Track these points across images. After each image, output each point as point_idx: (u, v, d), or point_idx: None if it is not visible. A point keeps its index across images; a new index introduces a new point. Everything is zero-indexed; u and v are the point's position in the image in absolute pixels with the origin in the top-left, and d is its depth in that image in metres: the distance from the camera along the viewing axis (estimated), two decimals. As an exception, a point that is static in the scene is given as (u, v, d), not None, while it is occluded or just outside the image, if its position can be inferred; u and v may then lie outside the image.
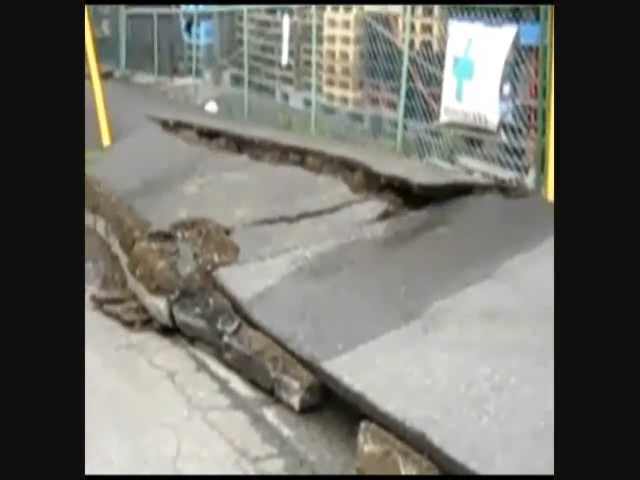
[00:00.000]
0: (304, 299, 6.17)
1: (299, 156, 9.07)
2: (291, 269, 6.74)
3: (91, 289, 7.69)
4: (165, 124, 11.61)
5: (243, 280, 6.67)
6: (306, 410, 5.40)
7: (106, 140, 11.67)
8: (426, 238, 7.12)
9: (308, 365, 5.38)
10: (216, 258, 7.14)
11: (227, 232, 7.63)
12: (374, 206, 7.79)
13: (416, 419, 4.46)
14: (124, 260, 7.83)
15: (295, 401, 5.41)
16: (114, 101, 12.95)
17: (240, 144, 10.10)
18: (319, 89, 12.46)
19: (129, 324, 6.96)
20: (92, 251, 8.80)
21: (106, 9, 20.11)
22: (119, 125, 11.95)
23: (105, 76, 15.63)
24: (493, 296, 5.93)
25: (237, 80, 15.03)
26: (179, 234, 7.71)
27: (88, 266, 8.41)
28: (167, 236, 7.70)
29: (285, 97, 13.85)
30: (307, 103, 12.93)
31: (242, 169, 9.36)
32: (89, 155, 11.28)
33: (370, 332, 5.48)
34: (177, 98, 15.57)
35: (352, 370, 5.04)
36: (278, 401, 5.55)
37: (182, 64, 17.40)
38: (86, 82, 12.75)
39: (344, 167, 8.39)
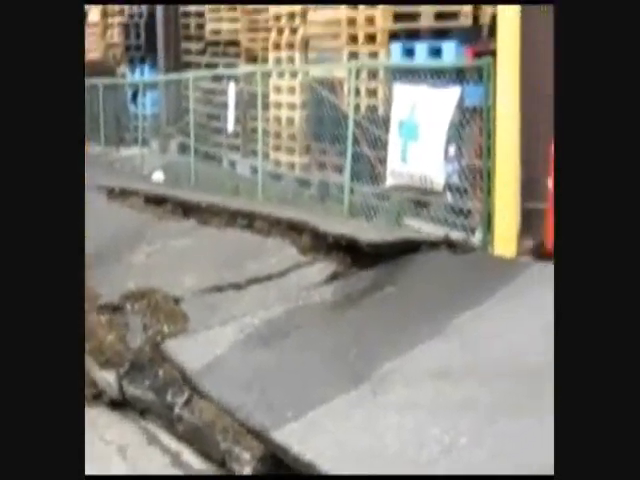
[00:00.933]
0: (252, 368, 6.13)
1: (247, 220, 9.09)
2: (239, 337, 6.70)
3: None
4: (111, 192, 11.59)
5: (191, 351, 6.62)
6: (259, 480, 5.35)
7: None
8: (375, 298, 7.11)
9: (257, 435, 5.33)
10: (165, 329, 7.10)
11: (176, 301, 7.60)
12: (323, 267, 7.79)
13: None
14: (73, 334, 7.76)
15: (247, 472, 5.35)
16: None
17: (187, 209, 10.12)
18: (266, 155, 12.53)
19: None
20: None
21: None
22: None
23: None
24: (442, 355, 5.92)
25: (184, 148, 15.07)
26: (128, 305, 7.66)
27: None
28: (116, 308, 7.66)
29: (232, 164, 13.90)
30: (254, 170, 12.96)
31: (189, 235, 9.37)
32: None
33: (320, 397, 5.44)
34: (124, 168, 15.58)
35: (301, 438, 5.00)
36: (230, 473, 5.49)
37: (129, 134, 17.41)
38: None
39: (292, 229, 8.40)
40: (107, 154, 16.88)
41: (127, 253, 9.15)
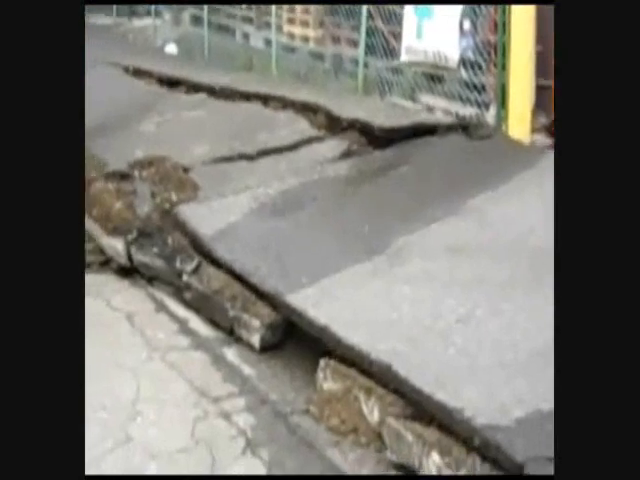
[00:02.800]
0: (267, 235, 6.03)
1: (261, 101, 8.84)
2: (253, 206, 6.58)
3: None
4: (125, 70, 11.30)
5: (204, 217, 6.49)
6: (267, 349, 5.29)
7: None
8: (390, 177, 6.98)
9: (271, 299, 5.27)
10: (174, 197, 6.95)
11: (185, 170, 7.44)
12: (335, 145, 7.61)
13: (382, 351, 4.36)
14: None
15: (255, 340, 5.29)
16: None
17: (200, 90, 9.84)
18: (279, 28, 12.19)
19: (86, 266, 6.78)
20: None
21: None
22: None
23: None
24: (458, 232, 5.84)
25: (197, 20, 14.70)
26: (136, 173, 7.51)
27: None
28: (124, 176, 7.50)
29: (246, 37, 13.56)
30: (268, 42, 12.65)
31: (201, 106, 9.14)
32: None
33: (334, 267, 5.37)
34: (136, 40, 15.18)
35: (316, 303, 4.94)
36: (238, 340, 5.43)
37: (141, 5, 17.02)
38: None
39: (306, 110, 8.18)
40: (119, 25, 16.48)
41: (136, 123, 8.94)
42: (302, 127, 7.87)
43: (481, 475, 3.79)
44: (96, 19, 17.15)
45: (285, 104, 8.50)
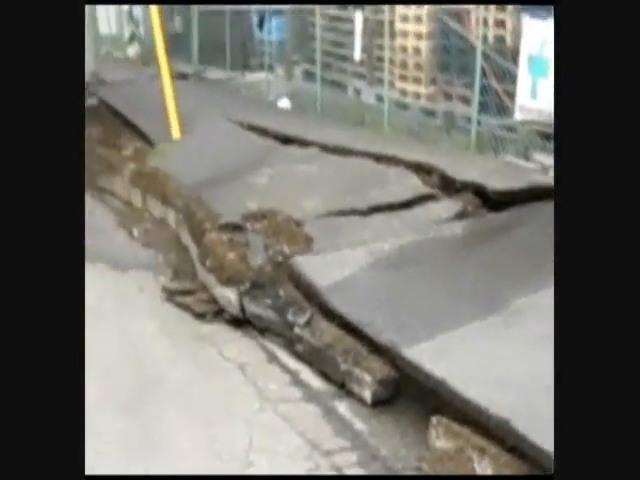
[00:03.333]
0: (382, 289, 6.07)
1: (374, 159, 8.91)
2: (368, 260, 6.63)
3: (162, 280, 7.67)
4: (239, 125, 11.52)
5: (320, 268, 6.57)
6: (378, 403, 5.29)
7: (176, 133, 11.63)
8: (504, 239, 6.98)
9: (387, 352, 5.28)
10: (287, 249, 7.04)
11: (298, 224, 7.53)
12: (450, 205, 7.65)
13: (500, 406, 4.33)
14: (194, 251, 7.78)
15: (367, 394, 5.30)
16: (186, 96, 12.94)
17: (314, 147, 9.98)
18: (391, 84, 12.31)
19: (200, 315, 6.90)
20: (163, 242, 8.79)
21: (177, 6, 20.12)
22: (190, 120, 11.92)
23: (178, 76, 15.64)
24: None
25: (309, 75, 14.93)
26: (249, 225, 7.63)
27: (159, 257, 8.40)
28: (237, 227, 7.63)
29: (357, 92, 13.72)
30: (379, 98, 12.77)
31: (313, 160, 9.26)
32: (159, 147, 11.33)
33: (450, 323, 5.37)
34: (249, 94, 15.50)
35: (433, 357, 4.94)
36: (349, 394, 5.44)
37: (254, 60, 17.34)
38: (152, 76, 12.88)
39: (419, 169, 8.23)
40: (232, 79, 16.83)
41: (249, 175, 9.10)
42: (414, 184, 7.92)
43: (482, 475, 3.93)
44: (211, 73, 17.56)
45: (397, 163, 8.55)
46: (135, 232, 9.30)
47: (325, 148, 9.67)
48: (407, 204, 7.64)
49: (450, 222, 7.39)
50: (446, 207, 7.63)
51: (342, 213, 7.64)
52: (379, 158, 8.85)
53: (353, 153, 9.22)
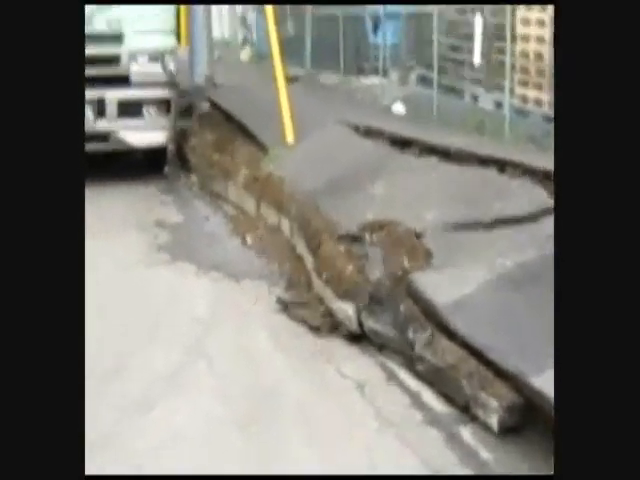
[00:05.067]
0: (505, 309, 5.77)
1: (497, 166, 8.57)
2: (490, 278, 6.32)
3: (276, 291, 7.51)
4: (355, 129, 11.30)
5: (440, 285, 6.30)
6: (504, 431, 5.01)
7: (290, 138, 11.48)
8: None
9: (512, 379, 4.99)
10: (406, 263, 6.80)
11: (418, 236, 7.29)
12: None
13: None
14: (310, 262, 7.60)
15: (493, 421, 5.02)
16: (300, 100, 12.81)
17: (432, 152, 9.68)
18: (511, 91, 11.96)
19: (316, 329, 6.71)
20: (277, 251, 8.64)
21: (288, 9, 20.09)
22: (304, 124, 11.77)
23: (291, 80, 15.55)
24: None
25: (424, 80, 14.68)
26: (367, 237, 7.42)
27: (273, 267, 8.25)
28: (355, 238, 7.42)
29: (474, 98, 13.41)
30: (498, 105, 12.45)
31: (432, 170, 8.97)
32: (273, 152, 11.21)
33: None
34: (363, 98, 15.30)
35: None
36: (474, 419, 5.17)
37: (367, 64, 17.18)
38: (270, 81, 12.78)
39: (545, 179, 7.85)
40: (346, 83, 16.67)
41: (367, 184, 8.88)
42: (540, 197, 7.56)
43: (482, 475, 3.96)
44: (324, 77, 17.45)
45: (524, 171, 8.20)
46: (249, 240, 9.18)
47: (445, 154, 9.37)
48: (532, 217, 7.29)
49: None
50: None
51: (463, 226, 7.35)
52: (503, 166, 8.50)
53: (475, 160, 8.90)
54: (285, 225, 8.91)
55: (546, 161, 8.40)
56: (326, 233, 7.63)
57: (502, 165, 8.52)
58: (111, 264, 8.36)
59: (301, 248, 8.12)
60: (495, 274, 6.39)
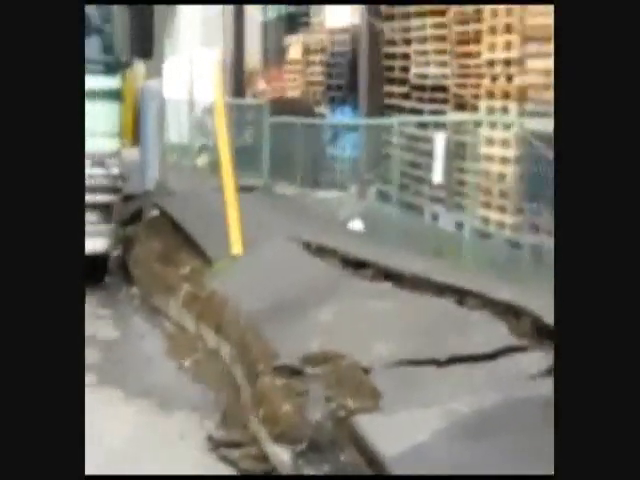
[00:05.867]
0: (460, 464, 5.06)
1: (456, 296, 7.94)
2: (443, 425, 5.62)
3: (209, 425, 6.77)
4: (307, 247, 10.66)
5: (386, 432, 5.59)
6: None
7: (237, 249, 10.76)
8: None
9: None
10: (351, 403, 6.09)
11: (365, 372, 6.59)
12: (541, 358, 6.58)
13: None
14: (247, 395, 6.88)
15: None
16: (253, 211, 12.22)
17: (387, 276, 9.05)
18: (473, 212, 11.44)
19: (247, 474, 5.98)
20: (215, 378, 7.93)
21: (250, 116, 19.70)
22: (254, 237, 11.09)
23: (246, 189, 15.02)
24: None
25: (383, 196, 14.18)
26: (309, 370, 6.71)
27: (209, 396, 7.55)
28: (295, 371, 6.72)
29: (434, 217, 12.91)
30: (459, 225, 11.95)
31: (386, 297, 8.29)
32: (217, 266, 10.52)
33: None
34: (319, 212, 14.70)
35: None
36: None
37: (326, 176, 16.69)
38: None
39: (507, 312, 7.23)
40: (303, 195, 16.09)
41: (313, 309, 8.19)
42: (501, 331, 6.91)
43: (480, 475, 3.92)
44: (280, 188, 16.92)
45: (484, 303, 7.58)
46: (186, 363, 8.45)
47: (400, 279, 8.73)
48: (492, 355, 6.63)
49: (541, 379, 6.34)
50: (537, 360, 6.60)
51: (417, 362, 6.67)
52: (462, 296, 7.88)
53: (431, 287, 8.28)
54: (225, 350, 8.20)
55: (508, 292, 7.82)
56: (265, 363, 6.93)
57: (461, 295, 7.90)
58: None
59: (240, 378, 7.41)
60: (450, 420, 5.71)
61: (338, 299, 8.35)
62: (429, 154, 12.95)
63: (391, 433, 5.57)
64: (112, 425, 6.87)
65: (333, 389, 6.34)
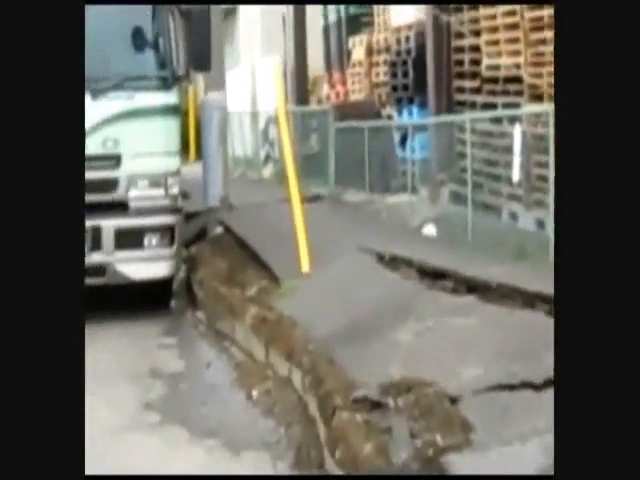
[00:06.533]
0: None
1: (547, 305, 7.12)
2: (546, 461, 4.88)
3: (281, 467, 6.12)
4: (379, 258, 9.91)
5: (479, 471, 4.88)
6: None
7: (305, 267, 10.05)
8: None
9: None
10: (439, 439, 5.35)
11: (453, 401, 5.84)
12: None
13: None
14: (322, 431, 6.19)
15: None
16: (320, 222, 11.56)
17: (470, 287, 8.27)
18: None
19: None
20: (286, 410, 7.26)
21: (315, 123, 19.10)
22: (323, 250, 10.40)
23: (313, 199, 14.43)
24: None
25: (457, 197, 13.40)
26: (391, 401, 5.98)
27: (280, 431, 6.88)
28: (375, 404, 5.99)
29: (513, 217, 12.09)
30: (539, 224, 11.13)
31: (469, 313, 7.48)
32: (285, 286, 9.84)
33: None
34: (390, 219, 13.95)
35: None
36: None
37: (395, 180, 15.95)
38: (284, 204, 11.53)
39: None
40: (372, 202, 15.38)
41: (390, 329, 7.44)
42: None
43: (481, 475, 3.83)
44: (348, 195, 16.27)
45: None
46: (254, 393, 7.81)
47: (485, 290, 7.96)
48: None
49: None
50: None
51: (509, 387, 5.89)
52: (552, 303, 7.08)
53: (520, 297, 7.50)
54: (296, 378, 7.52)
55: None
56: (341, 395, 6.23)
57: (551, 304, 7.09)
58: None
59: (314, 410, 6.73)
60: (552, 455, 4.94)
61: (417, 316, 7.60)
62: (504, 150, 12.19)
63: (489, 473, 4.85)
64: (177, 468, 6.28)
65: (419, 423, 5.61)
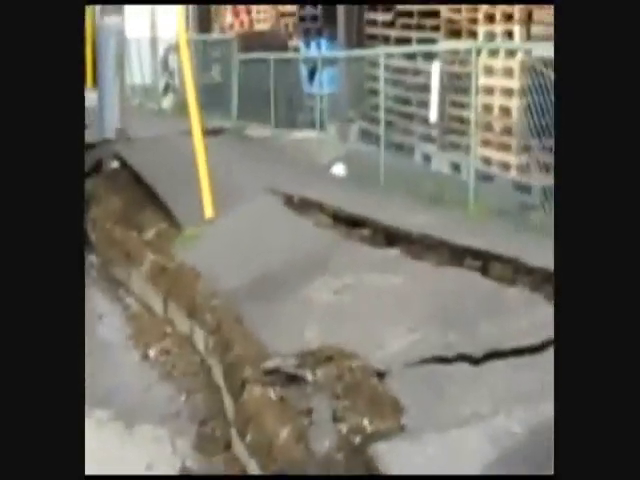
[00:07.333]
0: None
1: (479, 261, 6.46)
2: (489, 453, 4.24)
3: (181, 448, 5.38)
4: (288, 201, 9.15)
5: (416, 464, 4.21)
6: None
7: (208, 212, 9.23)
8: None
9: None
10: (367, 423, 4.68)
11: (380, 375, 5.15)
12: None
13: None
14: (230, 407, 5.47)
15: None
16: (222, 160, 10.72)
17: (390, 237, 7.57)
18: (472, 151, 9.96)
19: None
20: (187, 373, 6.53)
21: (217, 53, 18.17)
22: (226, 191, 9.56)
23: (215, 132, 13.60)
24: None
25: (367, 136, 12.70)
26: (309, 375, 5.26)
27: (180, 401, 6.14)
28: (292, 377, 5.27)
29: (426, 158, 11.45)
30: (454, 167, 10.53)
31: (393, 270, 6.77)
32: (187, 232, 9.02)
33: None
34: (297, 156, 13.13)
35: None
36: None
37: (302, 116, 15.20)
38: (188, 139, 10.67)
39: (549, 282, 5.73)
40: (278, 137, 14.56)
41: (305, 286, 6.72)
42: (546, 314, 5.43)
43: (482, 475, 3.49)
44: (252, 130, 15.42)
45: (515, 269, 6.14)
46: (151, 353, 7.04)
47: (407, 241, 7.28)
48: (540, 347, 5.20)
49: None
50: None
51: (443, 359, 5.22)
52: (486, 258, 6.46)
53: (447, 251, 6.85)
54: (199, 337, 6.78)
55: (542, 252, 6.33)
56: (250, 364, 5.50)
57: (485, 260, 6.47)
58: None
59: (218, 377, 6.01)
60: (498, 447, 4.31)
61: (335, 272, 6.88)
62: (418, 88, 11.54)
63: (422, 466, 4.18)
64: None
65: (342, 402, 4.92)
